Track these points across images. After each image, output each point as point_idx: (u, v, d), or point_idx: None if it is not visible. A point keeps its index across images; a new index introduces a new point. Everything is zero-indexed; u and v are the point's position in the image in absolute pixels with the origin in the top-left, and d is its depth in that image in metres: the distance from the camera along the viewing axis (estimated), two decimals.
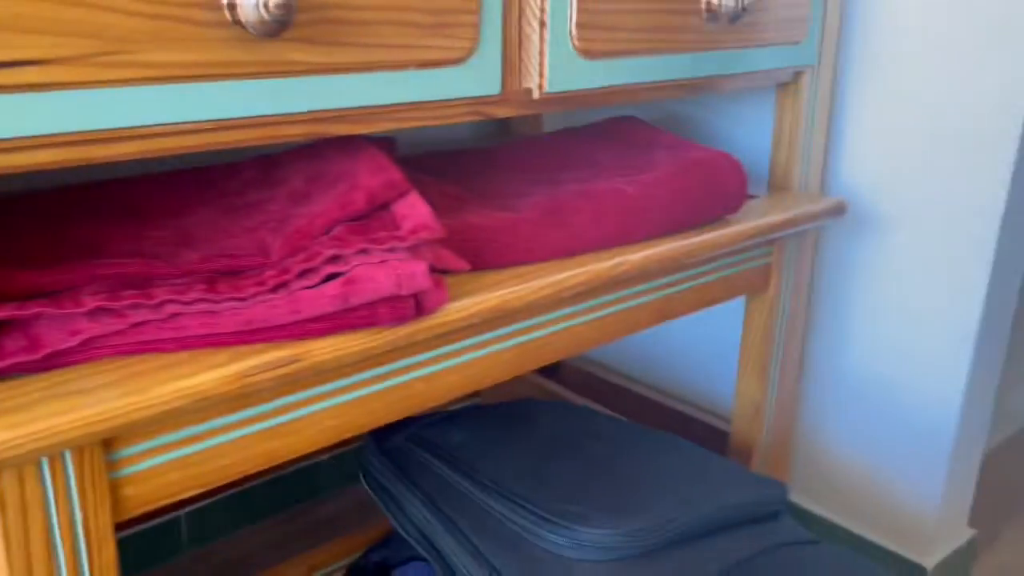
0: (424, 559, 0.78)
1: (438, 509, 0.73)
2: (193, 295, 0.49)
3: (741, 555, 0.68)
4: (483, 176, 0.80)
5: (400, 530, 0.75)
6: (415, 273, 0.53)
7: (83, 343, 0.47)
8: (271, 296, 0.51)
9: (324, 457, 1.20)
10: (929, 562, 0.99)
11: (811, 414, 1.06)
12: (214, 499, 1.10)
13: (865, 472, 1.03)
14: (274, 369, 0.50)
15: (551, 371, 1.29)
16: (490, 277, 0.63)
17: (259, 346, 0.51)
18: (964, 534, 1.05)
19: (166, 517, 1.06)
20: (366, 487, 0.80)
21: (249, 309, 0.50)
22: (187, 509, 1.08)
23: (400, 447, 0.81)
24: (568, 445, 0.81)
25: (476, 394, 1.29)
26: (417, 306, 0.55)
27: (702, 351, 1.15)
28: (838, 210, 0.90)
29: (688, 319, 1.16)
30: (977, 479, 1.05)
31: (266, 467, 0.54)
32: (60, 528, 0.45)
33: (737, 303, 1.06)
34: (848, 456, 1.04)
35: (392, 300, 0.53)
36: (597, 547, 0.67)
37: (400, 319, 0.54)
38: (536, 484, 0.74)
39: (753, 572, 0.66)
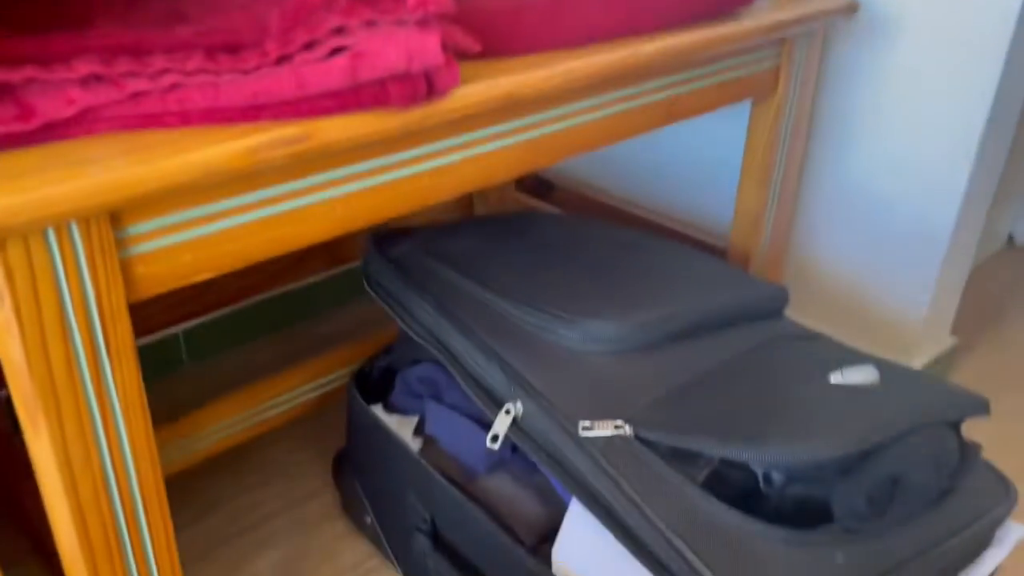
0: (432, 361, 0.79)
1: (447, 311, 0.73)
2: (193, 64, 0.46)
3: (744, 347, 0.69)
4: None
5: (409, 332, 0.75)
6: (426, 47, 0.50)
7: (79, 113, 0.44)
8: (275, 69, 0.48)
9: (320, 277, 1.20)
10: (913, 366, 1.03)
11: (807, 225, 1.06)
12: (210, 317, 1.10)
13: (856, 283, 1.05)
14: (284, 146, 0.48)
15: (544, 192, 1.27)
16: (499, 65, 0.60)
17: (267, 123, 0.48)
18: (946, 342, 1.09)
19: (164, 334, 1.06)
20: (371, 293, 0.80)
21: (254, 82, 0.47)
22: (184, 327, 1.09)
23: (404, 254, 0.81)
24: (572, 251, 0.81)
25: (470, 209, 1.27)
26: (428, 85, 0.52)
27: (694, 170, 1.14)
28: (849, 8, 0.86)
29: (679, 137, 1.13)
30: (960, 293, 1.08)
31: (275, 254, 0.53)
32: (73, 305, 0.44)
33: (732, 119, 1.04)
34: (840, 267, 1.05)
35: (403, 77, 0.51)
36: (606, 339, 0.67)
37: (411, 98, 0.51)
38: (543, 286, 0.74)
39: (756, 362, 0.67)
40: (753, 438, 0.57)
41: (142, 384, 0.49)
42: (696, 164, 1.14)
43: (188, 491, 0.92)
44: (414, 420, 0.79)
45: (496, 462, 0.73)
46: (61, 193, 0.41)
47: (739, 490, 0.59)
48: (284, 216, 0.52)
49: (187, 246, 0.48)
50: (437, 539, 0.74)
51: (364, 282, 0.82)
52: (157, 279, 0.48)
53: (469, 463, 0.73)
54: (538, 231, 0.86)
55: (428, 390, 0.79)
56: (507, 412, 0.65)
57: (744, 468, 0.60)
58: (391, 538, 0.82)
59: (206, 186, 0.47)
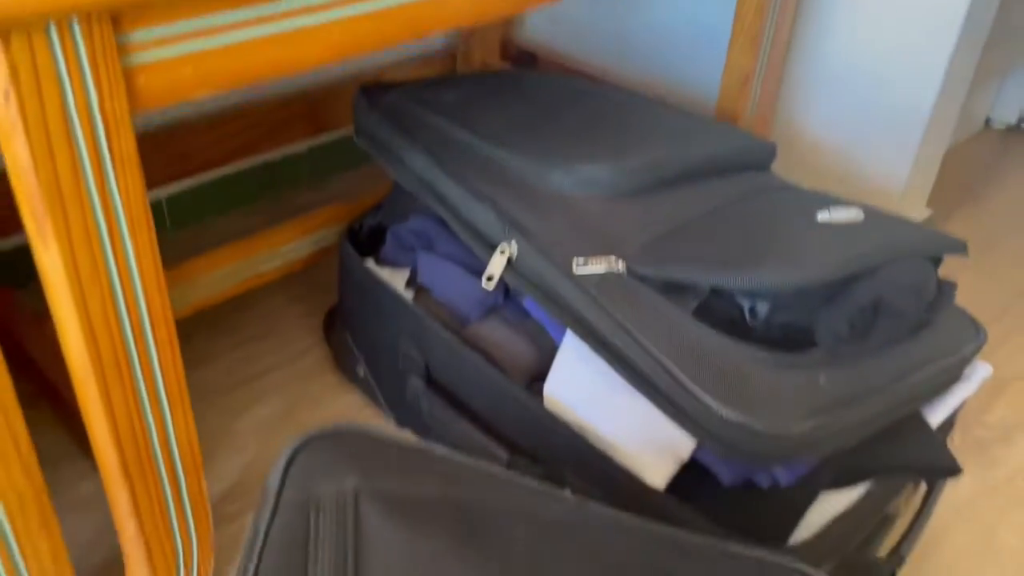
0: (423, 214, 0.80)
1: (439, 158, 0.73)
2: None
3: (733, 193, 0.70)
4: None
5: (400, 180, 0.76)
6: None
7: None
8: None
9: (302, 148, 1.19)
10: None
11: (792, 94, 1.06)
12: (194, 181, 1.10)
13: (838, 153, 1.06)
14: None
15: (527, 63, 1.26)
16: None
17: None
18: (923, 212, 1.11)
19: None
20: (358, 139, 0.80)
21: None
22: (167, 193, 1.08)
23: (394, 103, 0.80)
24: (561, 104, 0.81)
25: (452, 69, 1.26)
26: None
27: (675, 38, 1.13)
28: None
29: (660, 4, 1.12)
30: (937, 168, 1.10)
31: (274, 75, 0.52)
32: (77, 108, 0.44)
33: None
34: (823, 136, 1.06)
35: None
36: (598, 183, 0.68)
37: None
38: (534, 134, 0.75)
39: (745, 205, 0.69)
40: (743, 267, 0.59)
41: (146, 196, 0.49)
42: (678, 32, 1.13)
43: (184, 344, 0.93)
44: (406, 272, 0.81)
45: (488, 308, 0.75)
46: None
47: (726, 321, 0.62)
48: (282, 36, 0.51)
49: (188, 59, 0.48)
50: (430, 382, 0.76)
51: (354, 134, 0.82)
52: (159, 90, 0.47)
53: (462, 310, 0.75)
54: (526, 85, 0.85)
55: (420, 242, 0.80)
56: (501, 252, 0.66)
57: (731, 300, 0.62)
58: (383, 387, 0.84)
59: None
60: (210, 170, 1.09)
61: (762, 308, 0.61)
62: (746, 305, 0.62)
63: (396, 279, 0.80)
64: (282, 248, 0.87)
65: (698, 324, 0.58)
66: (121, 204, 0.48)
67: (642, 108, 0.81)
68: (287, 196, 1.18)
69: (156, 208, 1.07)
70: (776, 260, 0.59)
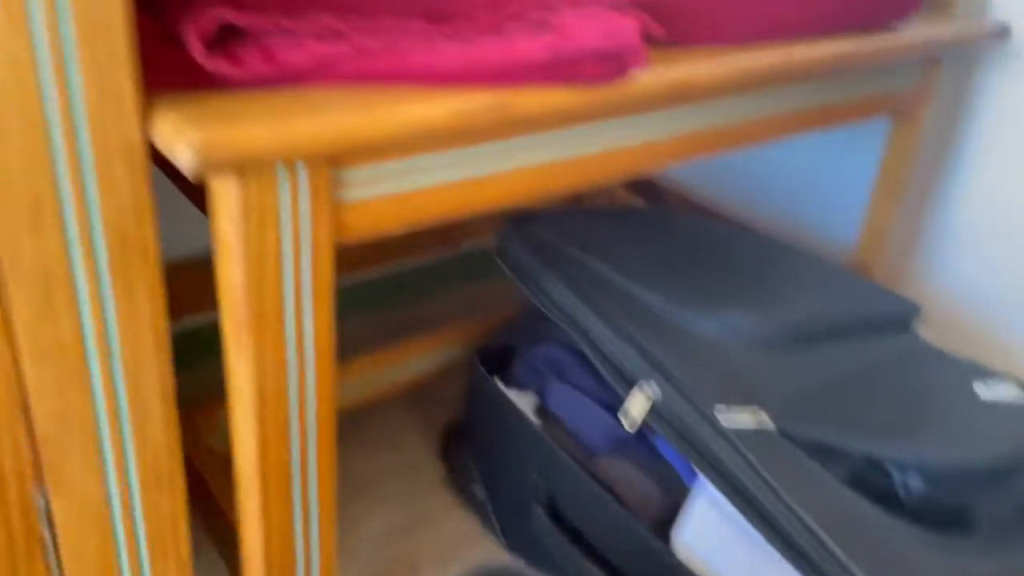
0: (557, 341, 0.81)
1: (584, 293, 0.75)
2: (416, 27, 0.49)
3: (880, 355, 0.70)
4: None
5: (542, 307, 0.77)
6: (625, 29, 0.52)
7: (314, 63, 0.47)
8: (485, 38, 0.51)
9: (426, 260, 1.23)
10: None
11: (931, 250, 1.05)
12: None
13: (980, 316, 1.04)
14: (488, 111, 0.50)
15: (652, 195, 1.29)
16: (681, 52, 0.62)
17: (473, 87, 0.51)
18: None
19: None
20: (504, 267, 0.83)
21: (465, 49, 0.50)
22: None
23: (540, 234, 0.83)
24: (704, 246, 0.83)
25: (579, 200, 1.29)
26: (621, 65, 0.54)
27: (807, 182, 1.14)
28: (1001, 33, 0.86)
29: (795, 147, 1.14)
30: None
31: (459, 215, 0.55)
32: (292, 239, 0.47)
33: (853, 134, 1.04)
34: (962, 292, 1.04)
35: (599, 56, 0.53)
36: (742, 331, 0.69)
37: (603, 76, 0.54)
38: (678, 275, 0.76)
39: (893, 369, 0.68)
40: (899, 438, 0.57)
41: (334, 323, 0.52)
42: (813, 177, 1.14)
43: None
44: (533, 397, 0.82)
45: (618, 444, 0.74)
46: (298, 133, 0.44)
47: (875, 492, 0.60)
48: (477, 179, 0.54)
49: (390, 197, 0.51)
50: (556, 516, 0.76)
51: (497, 257, 0.85)
52: (360, 225, 0.51)
53: (591, 442, 0.75)
54: (670, 225, 0.87)
55: (551, 369, 0.81)
56: (642, 392, 0.67)
57: (881, 470, 0.61)
58: (499, 510, 0.84)
59: (416, 141, 0.50)
60: (341, 276, 1.14)
61: (916, 483, 0.59)
62: (898, 477, 0.60)
63: (524, 403, 0.81)
64: (411, 361, 0.89)
65: (850, 492, 0.57)
66: (312, 329, 0.50)
67: (783, 255, 0.82)
68: (414, 304, 1.22)
69: None
70: (935, 435, 0.58)
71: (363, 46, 0.48)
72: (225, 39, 0.46)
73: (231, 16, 0.45)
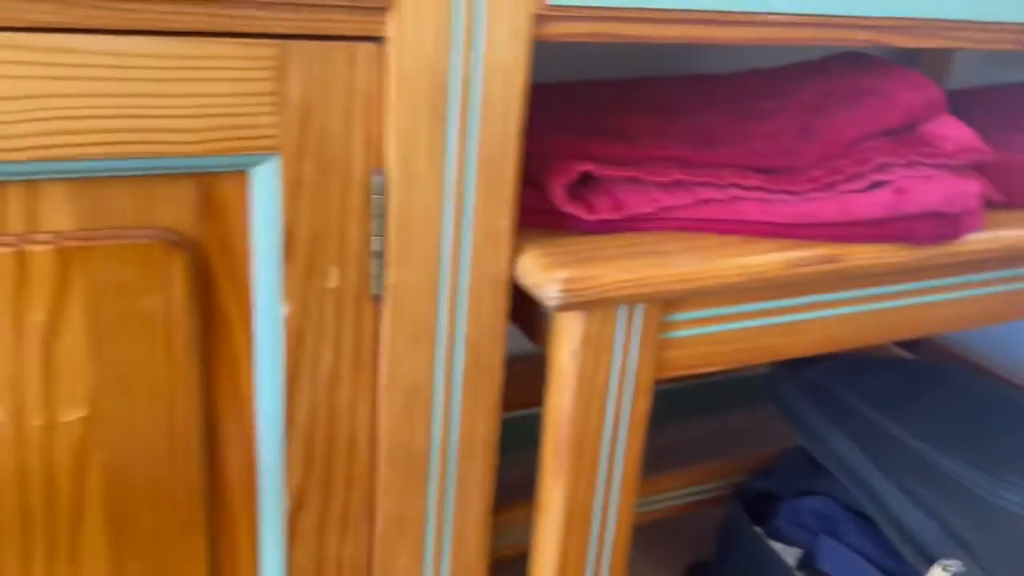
0: (825, 494, 0.77)
1: (867, 448, 0.72)
2: (754, 182, 0.52)
3: None
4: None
5: (819, 457, 0.75)
6: (967, 192, 0.52)
7: (656, 211, 0.51)
8: (821, 194, 0.52)
9: (688, 383, 1.22)
10: None
11: None
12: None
13: None
14: (818, 264, 0.51)
15: (913, 347, 1.22)
16: (1010, 212, 0.60)
17: (803, 241, 0.52)
18: None
19: (521, 413, 1.11)
20: (777, 408, 0.81)
21: (800, 204, 0.52)
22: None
23: (817, 379, 0.81)
24: (992, 407, 0.77)
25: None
26: (957, 227, 0.53)
27: None
28: None
29: None
30: None
31: (769, 359, 0.56)
32: (619, 373, 0.50)
33: None
34: None
35: (936, 216, 0.52)
36: None
37: (938, 237, 0.53)
38: (974, 438, 0.71)
39: None
40: None
41: (642, 452, 0.53)
42: None
43: None
44: (798, 551, 0.78)
45: None
46: (647, 277, 0.47)
47: None
48: (790, 326, 0.55)
49: (708, 338, 0.53)
50: None
51: (770, 395, 0.83)
52: (677, 363, 0.52)
53: None
54: (950, 381, 0.82)
55: (820, 524, 0.78)
56: (944, 570, 0.62)
57: None
58: None
59: (744, 288, 0.51)
60: None
61: None
62: None
63: (787, 557, 0.77)
64: (662, 495, 0.88)
65: None
66: (623, 458, 0.52)
67: None
68: (671, 427, 1.20)
69: (527, 421, 1.14)
70: None
71: (703, 196, 0.51)
72: (578, 186, 0.51)
73: (592, 168, 0.50)
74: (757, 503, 0.85)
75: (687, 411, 1.23)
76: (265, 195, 0.41)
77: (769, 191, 0.52)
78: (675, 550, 1.00)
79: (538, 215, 0.51)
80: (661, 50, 0.89)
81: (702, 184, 0.51)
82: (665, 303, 0.50)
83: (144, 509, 0.44)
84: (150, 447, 0.43)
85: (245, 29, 0.38)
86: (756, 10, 0.49)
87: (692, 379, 1.20)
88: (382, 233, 0.44)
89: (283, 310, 0.43)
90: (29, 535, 0.42)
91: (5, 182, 0.36)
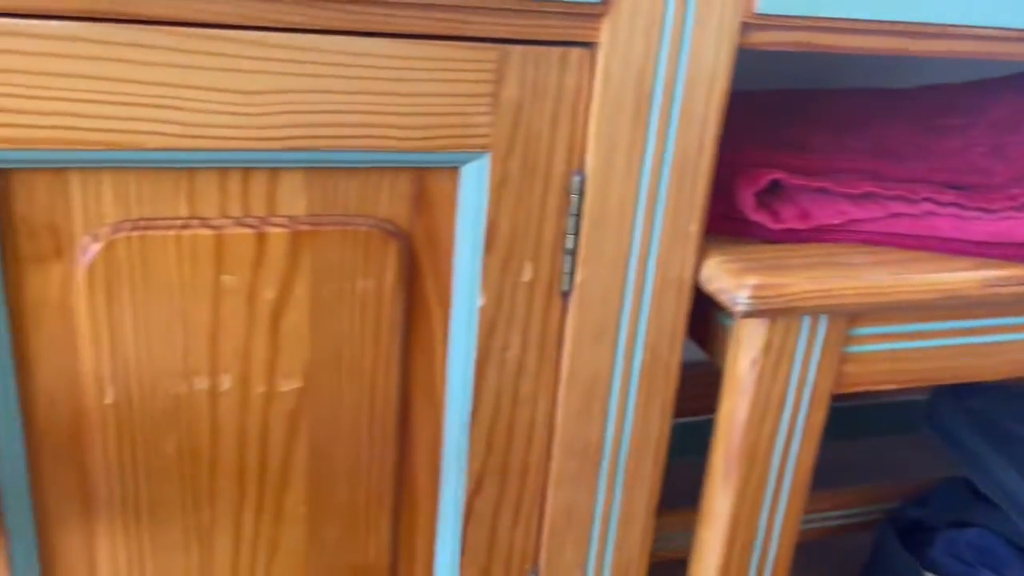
0: (985, 527, 0.74)
1: None
2: (948, 197, 0.50)
3: None
4: None
5: (984, 488, 0.72)
6: None
7: (844, 223, 0.50)
8: (1018, 214, 0.50)
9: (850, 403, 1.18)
10: None
11: None
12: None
13: None
14: (1016, 285, 0.49)
15: None
16: None
17: (998, 261, 0.50)
18: None
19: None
20: (943, 440, 0.78)
21: (996, 222, 0.50)
22: (682, 420, 1.15)
23: (981, 407, 0.78)
24: None
25: None
26: None
27: None
28: None
29: None
30: None
31: (950, 381, 0.54)
32: (796, 384, 0.50)
33: None
34: None
35: None
36: None
37: None
38: None
39: None
40: None
41: (813, 465, 0.52)
42: None
43: None
44: None
45: None
46: (834, 288, 0.46)
47: None
48: (982, 347, 0.53)
49: (892, 355, 0.52)
50: None
51: (929, 422, 0.80)
52: (856, 378, 0.52)
53: None
54: None
55: (978, 558, 0.74)
56: None
57: None
58: None
59: (934, 306, 0.50)
60: None
61: None
62: None
63: None
64: (814, 515, 0.86)
65: None
66: (794, 469, 0.52)
67: None
68: (826, 448, 1.16)
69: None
70: None
71: (894, 210, 0.50)
72: (764, 195, 0.51)
73: (781, 177, 0.50)
74: (909, 532, 0.82)
75: (838, 432, 1.20)
76: (473, 191, 0.43)
77: (964, 207, 0.51)
78: (818, 574, 0.97)
79: (719, 221, 0.52)
80: (829, 60, 0.88)
81: (894, 198, 0.50)
82: (851, 316, 0.49)
83: (341, 480, 0.47)
84: (353, 421, 0.46)
85: (472, 33, 0.40)
86: (957, 23, 0.48)
87: (846, 399, 1.17)
88: (576, 232, 0.45)
89: (479, 301, 0.45)
90: (243, 493, 0.45)
91: (253, 169, 0.40)
